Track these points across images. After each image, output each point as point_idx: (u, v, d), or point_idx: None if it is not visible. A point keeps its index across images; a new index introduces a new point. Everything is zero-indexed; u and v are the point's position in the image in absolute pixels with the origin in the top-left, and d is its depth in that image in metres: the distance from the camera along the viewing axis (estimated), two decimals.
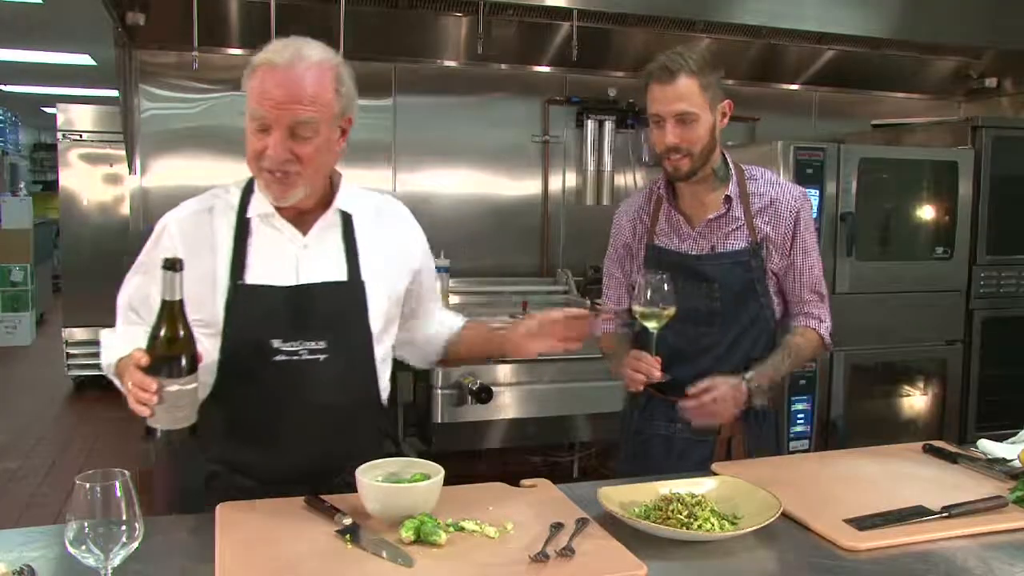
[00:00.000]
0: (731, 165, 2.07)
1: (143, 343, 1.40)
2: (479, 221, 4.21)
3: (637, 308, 1.89)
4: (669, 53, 1.96)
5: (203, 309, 1.60)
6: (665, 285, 1.86)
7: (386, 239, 1.77)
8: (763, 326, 2.07)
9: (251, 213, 1.67)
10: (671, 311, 1.86)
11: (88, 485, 1.12)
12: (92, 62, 7.59)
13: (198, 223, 1.68)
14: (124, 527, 1.13)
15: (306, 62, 1.56)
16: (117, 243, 5.28)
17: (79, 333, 6.34)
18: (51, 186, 12.00)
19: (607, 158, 4.26)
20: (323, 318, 1.65)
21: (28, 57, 7.58)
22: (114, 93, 4.12)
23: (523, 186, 4.29)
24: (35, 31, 6.41)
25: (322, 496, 1.54)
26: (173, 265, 1.37)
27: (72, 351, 6.36)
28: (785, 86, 4.63)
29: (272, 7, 3.45)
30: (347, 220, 1.72)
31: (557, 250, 4.34)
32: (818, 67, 4.51)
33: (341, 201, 1.71)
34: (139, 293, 1.70)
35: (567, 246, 4.34)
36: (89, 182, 6.36)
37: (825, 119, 4.73)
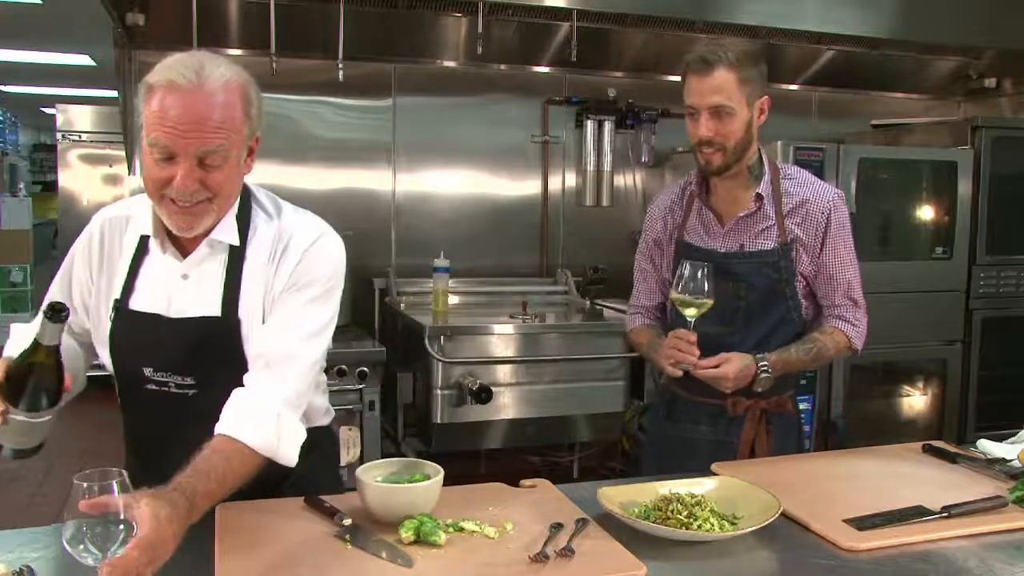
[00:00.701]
0: (767, 163, 2.03)
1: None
2: (479, 221, 4.21)
3: (676, 296, 1.88)
4: (709, 44, 1.93)
5: (99, 325, 1.61)
6: (705, 273, 1.86)
7: (273, 271, 1.57)
8: (791, 328, 2.04)
9: (143, 231, 1.58)
10: (710, 300, 1.87)
11: (86, 485, 1.12)
12: (92, 62, 7.57)
13: (112, 233, 1.63)
14: (121, 526, 1.13)
15: (212, 82, 1.40)
16: None
17: None
18: (51, 187, 11.99)
19: (607, 158, 4.26)
20: (191, 354, 1.54)
21: (27, 57, 7.56)
22: (113, 94, 4.13)
23: (523, 186, 4.29)
24: (34, 31, 6.40)
25: (322, 496, 1.54)
26: (58, 315, 1.30)
27: None
28: (784, 86, 4.62)
29: (272, 8, 3.45)
30: (236, 250, 1.56)
31: (557, 250, 4.34)
32: (818, 67, 4.51)
33: (221, 231, 1.54)
34: (61, 295, 1.66)
35: (567, 246, 4.34)
36: (88, 182, 6.36)
37: (825, 119, 4.73)
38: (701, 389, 2.04)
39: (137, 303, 1.57)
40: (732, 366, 1.90)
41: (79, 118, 6.40)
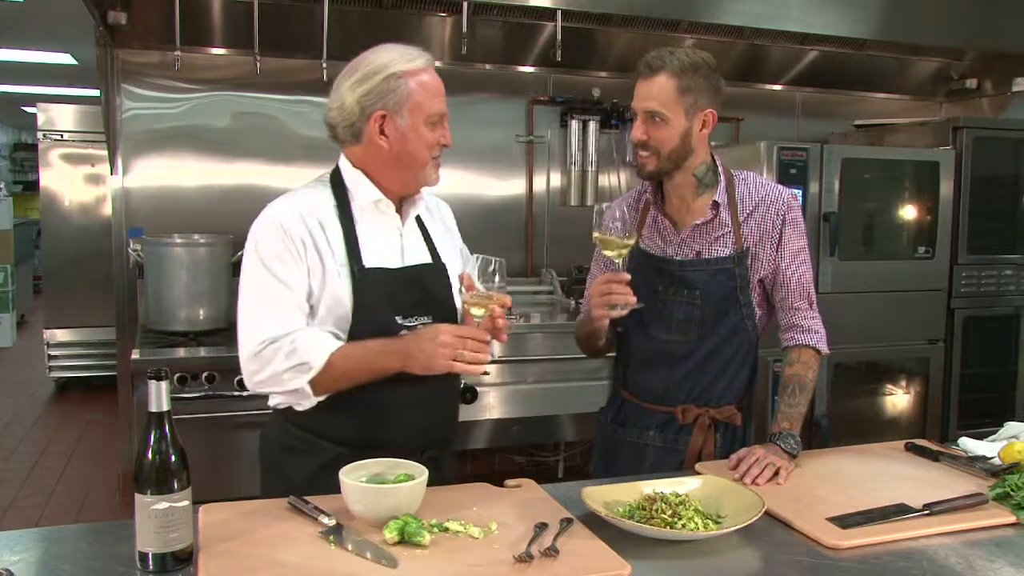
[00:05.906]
0: (721, 171, 2.02)
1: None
2: (463, 221, 4.11)
3: (596, 235, 1.82)
4: (661, 49, 1.91)
5: (330, 295, 1.69)
6: (623, 211, 1.83)
7: (442, 228, 1.95)
8: (744, 337, 2.03)
9: (361, 201, 1.76)
10: (632, 240, 1.82)
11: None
12: (73, 61, 7.52)
13: (307, 219, 1.72)
14: None
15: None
16: (99, 244, 5.24)
17: (60, 334, 6.29)
18: (32, 186, 11.89)
19: (591, 158, 4.27)
20: (426, 296, 1.78)
21: (8, 56, 7.50)
22: (96, 93, 4.09)
23: (507, 186, 4.29)
24: (15, 30, 6.34)
25: (306, 497, 1.53)
26: (159, 375, 1.31)
27: (53, 352, 6.31)
28: (768, 86, 4.65)
29: (255, 7, 3.43)
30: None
31: (542, 250, 4.34)
32: (801, 67, 4.53)
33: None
34: (309, 285, 1.70)
35: (551, 246, 4.34)
36: (70, 182, 6.29)
37: (808, 119, 4.75)
38: (652, 396, 2.04)
39: (372, 261, 1.74)
40: (759, 450, 1.82)
41: (60, 117, 6.32)
